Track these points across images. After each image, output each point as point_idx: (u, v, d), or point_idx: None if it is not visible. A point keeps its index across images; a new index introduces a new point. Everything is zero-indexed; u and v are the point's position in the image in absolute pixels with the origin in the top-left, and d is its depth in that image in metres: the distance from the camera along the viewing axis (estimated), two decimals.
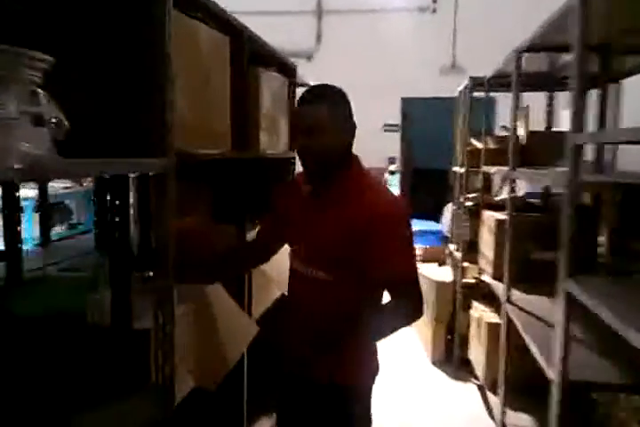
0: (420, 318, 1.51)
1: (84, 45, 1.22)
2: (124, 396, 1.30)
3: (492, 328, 3.01)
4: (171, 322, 1.35)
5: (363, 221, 1.40)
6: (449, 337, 3.87)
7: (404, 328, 1.51)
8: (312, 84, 4.07)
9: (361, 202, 1.43)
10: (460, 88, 3.96)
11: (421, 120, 7.49)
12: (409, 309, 1.47)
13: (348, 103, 1.48)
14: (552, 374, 1.74)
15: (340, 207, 1.46)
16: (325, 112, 1.40)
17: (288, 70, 2.71)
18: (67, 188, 6.20)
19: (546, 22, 2.01)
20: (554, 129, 3.60)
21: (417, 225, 5.74)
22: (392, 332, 1.48)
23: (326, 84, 1.51)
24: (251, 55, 2.16)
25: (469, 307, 3.53)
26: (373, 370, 1.59)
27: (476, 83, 3.62)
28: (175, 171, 1.26)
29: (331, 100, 1.43)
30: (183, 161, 1.41)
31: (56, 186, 6.36)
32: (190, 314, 1.56)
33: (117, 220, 1.30)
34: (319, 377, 1.51)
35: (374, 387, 1.61)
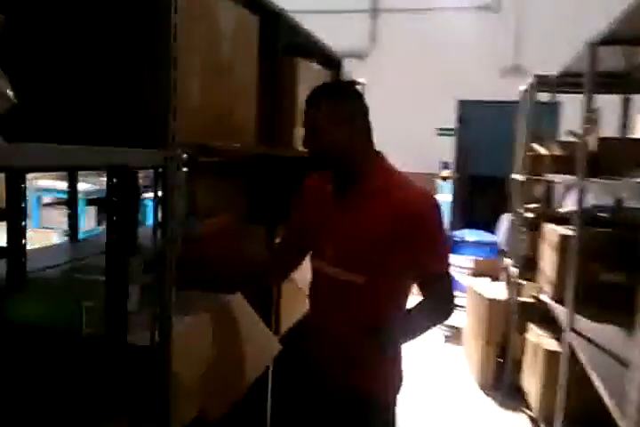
0: (450, 316, 1.49)
1: (73, 14, 1.03)
2: (112, 422, 1.12)
3: (551, 357, 2.68)
4: (167, 340, 1.15)
5: (393, 220, 1.37)
6: (500, 360, 3.54)
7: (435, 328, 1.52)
8: (363, 82, 3.82)
9: (389, 200, 1.39)
10: (524, 88, 3.63)
11: (478, 124, 7.16)
12: (440, 307, 1.46)
13: (354, 101, 1.42)
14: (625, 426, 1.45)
15: (367, 206, 1.42)
16: (322, 112, 1.37)
17: (333, 64, 2.49)
18: None
19: (630, 8, 1.71)
20: (628, 136, 3.24)
21: (470, 235, 5.42)
22: (422, 333, 1.48)
23: (332, 83, 1.56)
24: (289, 44, 1.96)
25: (525, 329, 3.20)
26: (397, 380, 1.53)
27: (542, 82, 3.30)
28: (179, 164, 1.06)
29: (331, 100, 1.39)
30: (202, 155, 1.21)
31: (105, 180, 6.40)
32: (200, 328, 1.37)
33: (114, 219, 1.11)
34: (340, 388, 1.47)
35: (399, 399, 1.54)
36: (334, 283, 1.47)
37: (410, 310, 1.46)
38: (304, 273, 1.88)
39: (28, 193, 6.16)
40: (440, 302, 1.45)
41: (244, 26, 1.39)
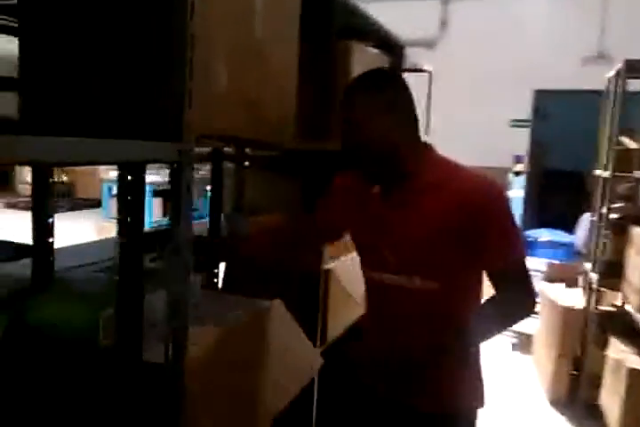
0: (532, 312, 1.35)
1: None
2: None
3: (636, 375, 2.39)
4: (181, 356, 1.01)
5: (456, 214, 1.23)
6: (574, 372, 3.24)
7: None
8: (429, 69, 3.58)
9: (449, 193, 1.24)
10: (611, 75, 3.28)
11: (556, 115, 6.70)
12: (521, 303, 1.30)
13: (396, 91, 1.28)
14: None
15: (424, 203, 1.27)
16: (361, 105, 1.24)
17: (394, 50, 2.29)
18: None
19: None
20: None
21: (544, 235, 5.06)
22: (500, 331, 1.36)
23: (372, 71, 1.33)
24: (345, 27, 1.79)
25: (604, 341, 2.89)
26: (479, 392, 1.37)
27: (632, 68, 2.95)
28: (192, 159, 0.91)
29: (370, 90, 1.25)
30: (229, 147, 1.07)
31: None
32: (227, 340, 1.23)
33: (129, 218, 0.98)
34: (414, 404, 1.32)
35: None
36: (400, 293, 1.32)
37: (484, 307, 1.33)
38: (353, 279, 1.71)
39: (101, 184, 6.51)
40: (520, 296, 1.30)
41: (281, 1, 1.22)
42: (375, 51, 1.96)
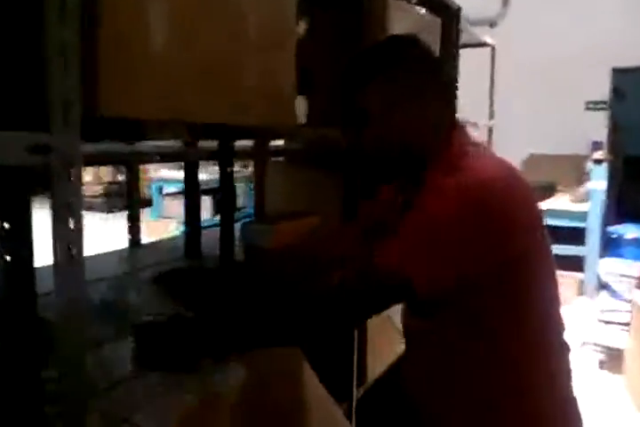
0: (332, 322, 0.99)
1: None
2: None
3: None
4: None
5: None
6: None
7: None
8: (491, 43, 3.12)
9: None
10: None
11: (638, 96, 6.02)
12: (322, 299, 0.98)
13: (422, 69, 0.97)
14: None
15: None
16: (376, 93, 0.95)
17: (448, 12, 1.85)
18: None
19: None
20: None
21: (631, 231, 4.47)
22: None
23: (382, 43, 1.02)
24: None
25: None
26: None
27: None
28: (77, 160, 0.54)
29: (386, 73, 0.95)
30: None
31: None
32: (209, 415, 0.87)
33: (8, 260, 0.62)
34: None
35: None
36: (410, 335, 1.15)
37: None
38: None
39: (150, 184, 6.51)
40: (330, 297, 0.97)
41: None
42: (422, 11, 1.54)
